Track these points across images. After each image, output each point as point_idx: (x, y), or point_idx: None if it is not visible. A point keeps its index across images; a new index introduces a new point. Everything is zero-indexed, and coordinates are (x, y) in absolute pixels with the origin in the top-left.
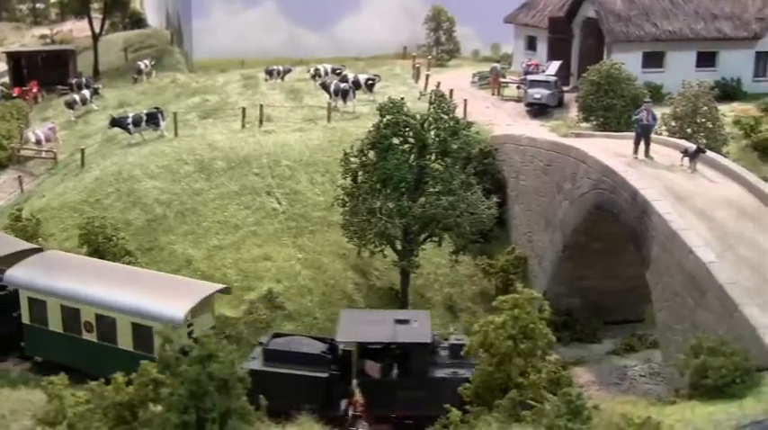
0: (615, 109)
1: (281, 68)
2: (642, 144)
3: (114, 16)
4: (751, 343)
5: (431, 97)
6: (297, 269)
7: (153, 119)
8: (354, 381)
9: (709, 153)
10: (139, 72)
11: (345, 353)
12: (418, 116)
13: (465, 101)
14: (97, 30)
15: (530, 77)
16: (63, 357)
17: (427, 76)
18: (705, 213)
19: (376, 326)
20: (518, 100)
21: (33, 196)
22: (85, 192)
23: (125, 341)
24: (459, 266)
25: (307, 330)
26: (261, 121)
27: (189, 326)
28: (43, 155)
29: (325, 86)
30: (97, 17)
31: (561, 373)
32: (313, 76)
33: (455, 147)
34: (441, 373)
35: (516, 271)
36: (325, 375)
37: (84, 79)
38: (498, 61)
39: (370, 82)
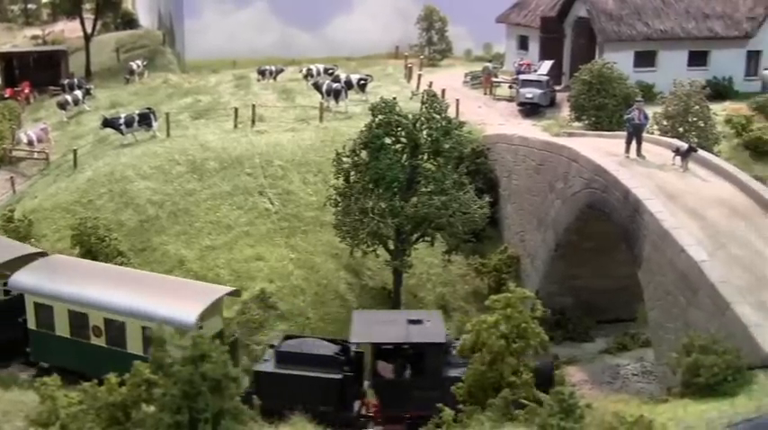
0: (607, 108)
1: (273, 68)
2: (634, 143)
3: (106, 17)
4: (742, 341)
5: (423, 97)
6: (289, 269)
7: (145, 119)
8: (366, 382)
9: (701, 152)
10: (131, 72)
11: (357, 355)
12: (410, 116)
13: (457, 100)
14: (89, 30)
15: (522, 77)
16: (70, 362)
17: (419, 76)
18: (697, 212)
19: (389, 327)
20: (510, 99)
21: (25, 197)
22: (78, 193)
23: (135, 345)
24: (451, 266)
25: (300, 330)
26: (253, 122)
27: (199, 329)
28: (35, 156)
29: (317, 86)
30: (89, 18)
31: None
32: (305, 76)
33: (447, 146)
34: (455, 373)
35: (509, 270)
36: (338, 377)
37: (76, 80)
38: (490, 61)
39: (363, 82)
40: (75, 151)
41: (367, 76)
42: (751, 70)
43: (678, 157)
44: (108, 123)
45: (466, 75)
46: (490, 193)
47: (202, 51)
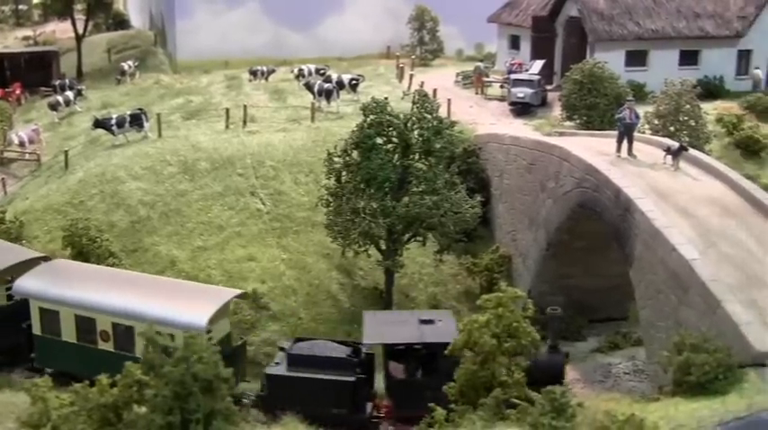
0: (598, 107)
1: (264, 69)
2: (625, 142)
3: (97, 17)
4: (733, 339)
5: (414, 97)
6: (281, 269)
7: (136, 120)
8: (376, 384)
9: (692, 151)
10: (123, 73)
11: (368, 356)
12: (402, 116)
13: (449, 100)
14: (80, 31)
15: (513, 76)
16: (76, 368)
17: (411, 76)
18: (688, 211)
19: (401, 328)
20: (502, 99)
21: (17, 198)
22: (69, 194)
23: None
24: (443, 266)
25: (291, 330)
26: (245, 122)
27: (208, 332)
28: (27, 157)
29: (308, 86)
30: (80, 18)
31: None
32: (297, 77)
33: (438, 146)
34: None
35: (500, 269)
36: (351, 379)
37: (67, 81)
38: (482, 60)
39: (354, 82)
40: (66, 152)
41: (358, 76)
42: (742, 69)
43: (669, 156)
44: (99, 124)
45: (457, 74)
46: (482, 193)
47: (194, 52)
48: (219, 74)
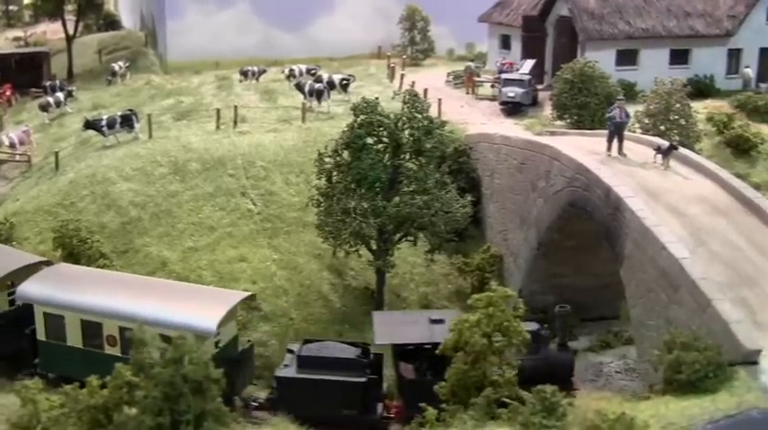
0: (589, 107)
1: (255, 69)
2: (615, 141)
3: (88, 18)
4: (723, 338)
5: (404, 97)
6: (272, 270)
7: (127, 121)
8: (385, 384)
9: (682, 150)
10: (114, 74)
11: (377, 356)
12: (392, 116)
13: (439, 100)
14: (71, 32)
15: (504, 76)
16: (82, 373)
17: (402, 76)
18: (678, 210)
19: (412, 328)
20: (492, 99)
21: (7, 200)
22: (60, 195)
23: None
24: (434, 265)
25: (282, 331)
26: (235, 122)
27: (216, 335)
28: (17, 158)
29: (299, 87)
30: (71, 19)
31: None
32: (288, 77)
33: (429, 146)
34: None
35: (492, 269)
36: (362, 380)
37: (58, 82)
38: (473, 60)
39: (345, 82)
40: (56, 153)
41: (349, 76)
42: (732, 68)
43: (659, 155)
44: (90, 125)
45: (448, 74)
46: (472, 193)
47: (185, 52)
48: (210, 74)
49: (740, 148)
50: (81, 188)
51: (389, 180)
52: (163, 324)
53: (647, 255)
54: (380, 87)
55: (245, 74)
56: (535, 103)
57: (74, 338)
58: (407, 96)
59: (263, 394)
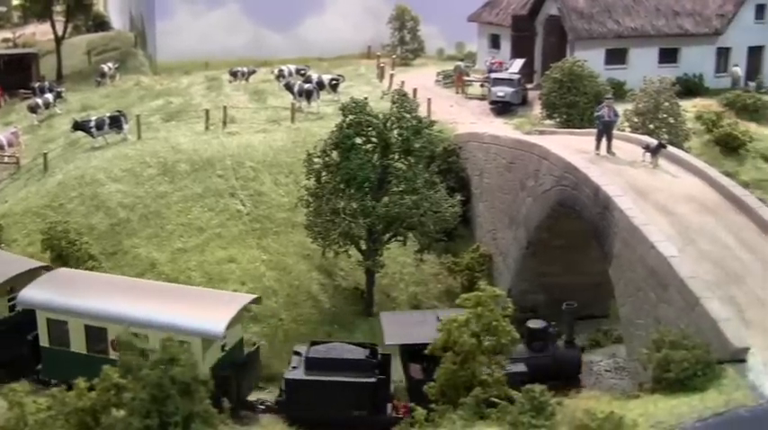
0: (578, 106)
1: (245, 70)
2: (604, 140)
3: (77, 19)
4: (712, 336)
5: (393, 96)
6: (261, 270)
7: (116, 122)
8: (392, 384)
9: (671, 148)
10: (103, 75)
11: (385, 357)
12: (381, 115)
13: (429, 100)
14: (60, 33)
15: (493, 75)
16: (87, 379)
17: (391, 76)
18: (667, 208)
19: (421, 327)
20: (482, 98)
21: None
22: (48, 197)
23: None
24: (424, 265)
25: (272, 332)
26: (224, 123)
27: (223, 339)
28: (6, 160)
29: (289, 87)
30: (60, 20)
31: None
32: (277, 77)
33: (418, 145)
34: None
35: (481, 268)
36: (372, 380)
37: (47, 83)
38: (462, 60)
39: (335, 82)
40: (45, 155)
41: (339, 76)
42: (721, 67)
43: (648, 154)
44: (79, 126)
45: (438, 74)
46: (462, 192)
47: (174, 53)
48: (200, 75)
49: (729, 147)
50: (70, 189)
51: (378, 180)
52: (170, 328)
53: (636, 254)
54: (370, 87)
55: (234, 74)
56: (524, 102)
57: (78, 344)
58: (396, 96)
59: (269, 397)
